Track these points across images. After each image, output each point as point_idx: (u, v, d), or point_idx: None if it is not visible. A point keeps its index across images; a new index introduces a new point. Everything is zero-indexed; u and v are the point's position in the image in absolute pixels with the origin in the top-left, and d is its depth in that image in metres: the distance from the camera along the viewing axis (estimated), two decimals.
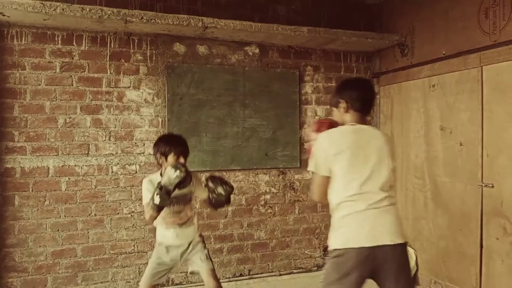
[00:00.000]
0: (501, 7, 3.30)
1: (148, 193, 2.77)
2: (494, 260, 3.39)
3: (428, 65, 4.04)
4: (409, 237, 4.32)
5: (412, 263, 4.20)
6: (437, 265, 3.98)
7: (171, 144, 2.90)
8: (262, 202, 4.45)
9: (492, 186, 3.39)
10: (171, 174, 2.64)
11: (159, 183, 2.66)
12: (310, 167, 2.34)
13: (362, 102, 2.35)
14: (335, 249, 2.20)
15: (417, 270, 4.15)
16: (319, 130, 2.46)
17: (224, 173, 4.29)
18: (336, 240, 2.23)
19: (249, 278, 4.33)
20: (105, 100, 3.92)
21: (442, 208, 3.91)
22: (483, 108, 3.47)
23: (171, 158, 2.86)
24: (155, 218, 2.73)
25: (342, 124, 2.40)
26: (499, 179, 3.34)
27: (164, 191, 2.62)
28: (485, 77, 3.46)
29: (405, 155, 4.39)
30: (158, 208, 2.66)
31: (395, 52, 4.51)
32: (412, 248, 4.28)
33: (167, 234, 2.95)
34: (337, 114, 2.43)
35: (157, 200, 2.61)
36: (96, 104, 3.90)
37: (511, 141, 3.24)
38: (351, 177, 2.21)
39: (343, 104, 2.36)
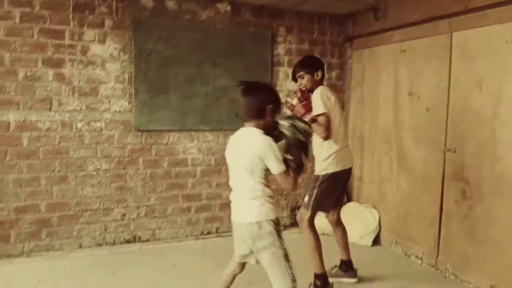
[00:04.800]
0: None
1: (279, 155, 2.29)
2: (453, 222, 3.51)
3: (400, 30, 4.02)
4: (374, 200, 4.44)
5: (375, 224, 4.34)
6: (398, 226, 4.11)
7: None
8: None
9: (455, 151, 3.46)
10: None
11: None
12: (321, 110, 3.01)
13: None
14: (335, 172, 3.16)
15: (379, 231, 4.31)
16: (304, 96, 3.09)
17: (193, 133, 4.26)
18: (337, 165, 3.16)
19: (217, 236, 4.39)
20: (68, 54, 3.78)
21: (406, 172, 4.00)
22: (450, 74, 3.50)
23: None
24: None
25: (313, 89, 3.16)
26: (462, 144, 3.41)
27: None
28: (454, 43, 3.46)
29: (373, 120, 4.43)
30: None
31: (369, 16, 4.45)
32: (376, 209, 4.42)
33: None
34: (312, 80, 3.20)
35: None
36: (59, 58, 3.75)
37: (475, 108, 3.29)
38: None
39: (319, 73, 3.21)
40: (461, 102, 3.42)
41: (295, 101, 3.09)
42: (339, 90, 4.85)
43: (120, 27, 3.92)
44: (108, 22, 3.87)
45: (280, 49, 4.57)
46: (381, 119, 4.32)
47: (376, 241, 4.30)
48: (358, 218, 4.35)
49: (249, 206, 2.26)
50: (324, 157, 3.16)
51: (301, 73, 3.22)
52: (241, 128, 2.36)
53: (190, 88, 4.20)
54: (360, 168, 4.62)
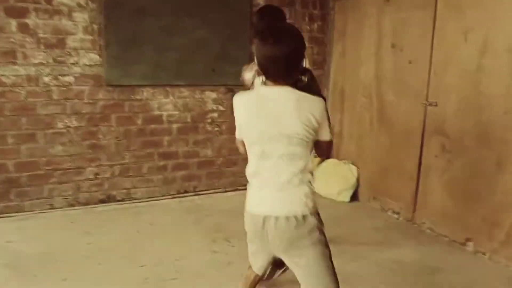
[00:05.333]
0: None
1: None
2: (431, 176, 3.49)
3: None
4: (353, 156, 4.39)
5: (354, 180, 4.31)
6: (377, 182, 4.09)
7: None
8: (209, 120, 4.31)
9: (436, 105, 3.39)
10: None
11: None
12: None
13: None
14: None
15: (358, 187, 4.29)
16: None
17: (168, 89, 4.07)
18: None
19: (194, 195, 4.31)
20: (33, 2, 3.49)
21: (386, 127, 3.93)
22: (435, 24, 3.37)
23: None
24: None
25: None
26: (443, 98, 3.34)
27: None
28: None
29: (355, 74, 4.30)
30: None
31: None
32: (355, 165, 4.38)
33: None
34: None
35: None
36: (22, 7, 3.47)
37: (460, 60, 3.19)
38: None
39: None
40: (445, 53, 3.31)
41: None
42: (321, 44, 4.68)
43: None
44: None
45: None
46: (362, 73, 4.19)
47: (355, 197, 4.29)
48: (336, 174, 4.31)
49: (296, 193, 1.70)
50: None
51: None
52: (267, 88, 1.72)
53: (165, 40, 3.96)
54: (339, 123, 4.53)
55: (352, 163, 4.37)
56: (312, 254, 1.73)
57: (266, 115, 1.66)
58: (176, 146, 4.21)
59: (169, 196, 4.21)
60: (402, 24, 3.68)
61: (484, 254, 3.09)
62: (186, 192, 4.30)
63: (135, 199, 4.09)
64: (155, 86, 4.02)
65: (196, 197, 4.29)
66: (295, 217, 1.67)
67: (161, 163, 4.17)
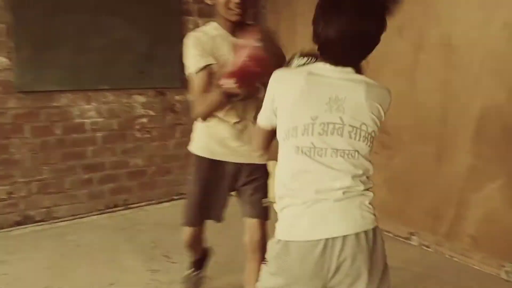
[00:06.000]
0: None
1: None
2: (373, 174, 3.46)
3: None
4: None
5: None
6: None
7: None
8: (138, 127, 3.97)
9: None
10: None
11: None
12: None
13: None
14: None
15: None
16: None
17: (90, 94, 3.69)
18: None
19: (125, 209, 3.94)
20: None
21: None
22: None
23: None
24: None
25: None
26: None
27: None
28: None
29: None
30: None
31: None
32: None
33: None
34: None
35: None
36: None
37: (394, 56, 3.20)
38: None
39: None
40: (380, 50, 3.29)
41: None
42: None
43: None
44: None
45: None
46: None
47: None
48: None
49: (360, 203, 1.29)
50: None
51: None
52: (325, 66, 1.30)
53: (84, 41, 3.58)
54: None
55: None
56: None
57: (322, 98, 1.25)
58: (102, 156, 3.82)
59: (97, 212, 3.81)
60: None
61: (428, 247, 3.12)
62: (116, 206, 3.92)
63: (57, 218, 3.64)
64: (75, 91, 3.62)
65: (127, 211, 3.92)
66: (366, 233, 1.24)
67: (86, 176, 3.76)
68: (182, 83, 3.72)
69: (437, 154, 3.00)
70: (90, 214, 3.78)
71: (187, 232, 2.15)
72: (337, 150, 1.25)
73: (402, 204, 3.27)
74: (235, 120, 1.96)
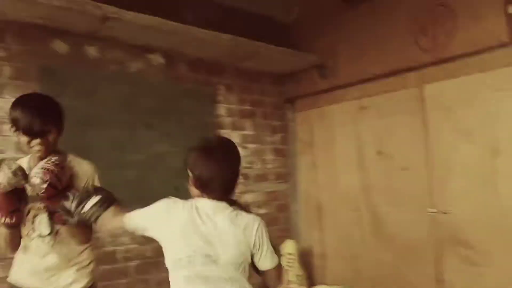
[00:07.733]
0: (441, 23, 3.16)
1: None
2: None
3: (356, 86, 3.74)
4: (347, 278, 3.80)
5: None
6: None
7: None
8: None
9: (446, 213, 3.09)
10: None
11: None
12: None
13: None
14: None
15: None
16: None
17: None
18: None
19: None
20: None
21: (385, 242, 3.49)
22: (427, 128, 3.23)
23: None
24: None
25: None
26: (455, 204, 3.05)
27: None
28: (427, 95, 3.25)
29: (332, 186, 3.93)
30: None
31: (313, 75, 4.12)
32: None
33: None
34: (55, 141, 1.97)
35: None
36: None
37: (463, 160, 3.01)
38: None
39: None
40: (444, 156, 3.12)
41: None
42: (284, 155, 4.33)
43: (24, 76, 2.87)
44: (7, 70, 2.81)
45: (222, 109, 3.91)
46: (343, 185, 3.83)
47: None
48: None
49: None
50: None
51: (49, 126, 1.73)
52: (204, 201, 1.59)
53: (119, 155, 3.21)
54: (320, 243, 3.99)
55: None
56: None
57: (201, 231, 1.51)
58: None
59: None
60: (386, 130, 3.51)
61: None
62: None
63: None
64: None
65: None
66: None
67: None
68: None
69: None
70: None
71: None
72: (217, 278, 1.46)
73: None
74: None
